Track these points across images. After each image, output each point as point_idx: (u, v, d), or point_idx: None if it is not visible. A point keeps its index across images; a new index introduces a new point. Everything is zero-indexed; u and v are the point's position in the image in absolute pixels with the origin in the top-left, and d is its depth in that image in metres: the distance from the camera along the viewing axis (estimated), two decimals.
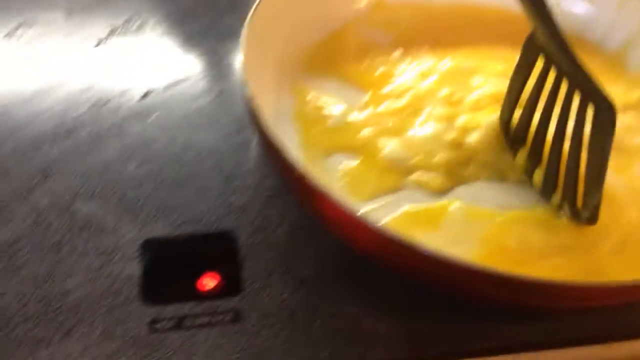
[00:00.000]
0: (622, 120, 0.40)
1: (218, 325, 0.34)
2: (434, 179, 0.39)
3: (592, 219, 0.37)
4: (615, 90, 0.38)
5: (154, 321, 0.34)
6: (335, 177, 0.39)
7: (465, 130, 0.41)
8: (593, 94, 0.36)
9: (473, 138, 0.41)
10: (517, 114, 0.40)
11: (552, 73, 0.38)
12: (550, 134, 0.39)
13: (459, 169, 0.40)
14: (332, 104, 0.43)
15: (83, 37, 0.49)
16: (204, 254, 0.37)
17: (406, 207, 0.38)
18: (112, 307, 0.34)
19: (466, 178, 0.39)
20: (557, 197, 0.38)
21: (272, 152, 0.35)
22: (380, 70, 0.45)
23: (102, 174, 0.40)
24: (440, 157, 0.40)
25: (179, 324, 0.34)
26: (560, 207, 0.38)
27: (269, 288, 0.35)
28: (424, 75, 0.44)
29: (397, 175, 0.39)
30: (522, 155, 0.40)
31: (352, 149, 0.40)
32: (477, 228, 0.37)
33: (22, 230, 0.37)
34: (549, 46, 0.37)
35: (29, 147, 0.41)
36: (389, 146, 0.40)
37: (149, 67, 0.48)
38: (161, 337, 0.33)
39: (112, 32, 0.50)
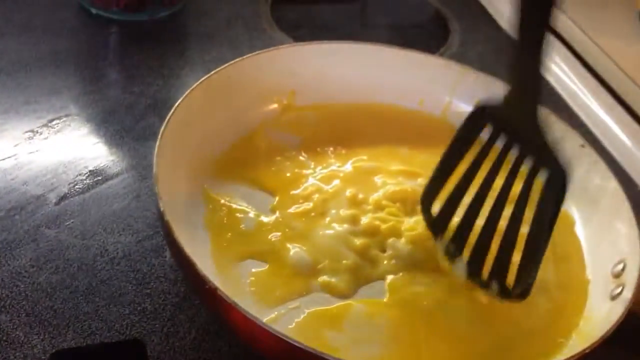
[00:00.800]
0: None
1: None
2: (340, 282, 0.41)
3: (524, 294, 0.38)
4: None
5: None
6: (246, 282, 0.41)
7: (370, 229, 0.44)
8: (548, 159, 0.37)
9: (378, 238, 0.44)
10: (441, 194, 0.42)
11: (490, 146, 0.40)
12: (483, 211, 0.40)
13: (365, 271, 0.42)
14: (243, 209, 0.45)
15: (1, 138, 0.50)
16: None
17: (310, 310, 0.40)
18: None
19: (373, 278, 0.42)
20: (483, 277, 0.40)
21: (182, 264, 0.37)
22: (288, 173, 0.47)
23: (13, 284, 0.41)
24: (346, 261, 0.42)
25: None
26: (487, 285, 0.40)
27: None
28: (330, 177, 0.47)
29: (304, 279, 0.41)
30: (445, 238, 0.42)
31: (261, 255, 0.42)
32: (379, 325, 0.40)
33: None
34: (514, 110, 0.38)
35: None
36: (296, 251, 0.42)
37: (69, 168, 0.49)
38: None
39: (32, 134, 0.51)
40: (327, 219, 0.44)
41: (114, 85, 0.58)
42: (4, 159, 0.49)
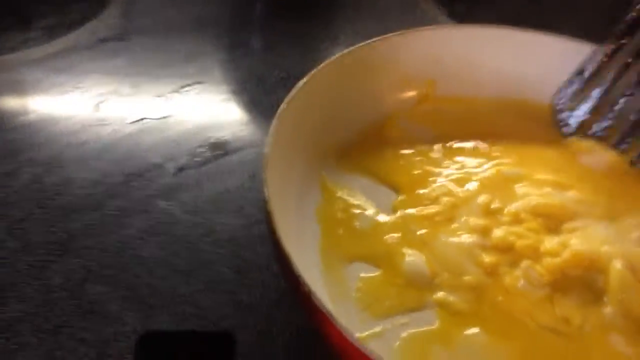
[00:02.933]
0: None
1: None
2: (459, 301, 0.36)
3: None
4: None
5: None
6: (353, 287, 0.37)
7: (503, 245, 0.38)
8: None
9: (511, 256, 0.38)
10: None
11: None
12: None
13: (490, 292, 0.37)
14: (361, 204, 0.41)
15: (132, 101, 0.50)
16: (200, 354, 0.35)
17: (421, 329, 0.35)
18: None
19: (499, 303, 0.36)
20: None
21: (279, 259, 0.34)
22: (417, 170, 0.43)
23: (118, 254, 0.39)
24: (469, 277, 0.37)
25: None
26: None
27: None
28: (464, 179, 0.42)
29: (418, 292, 0.37)
30: None
31: (374, 258, 0.38)
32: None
33: (28, 309, 0.36)
34: None
35: (55, 218, 0.41)
36: (413, 259, 0.38)
37: (191, 138, 0.47)
38: None
39: (162, 99, 0.50)
40: (454, 226, 0.39)
41: (250, 54, 0.56)
42: (131, 123, 0.48)
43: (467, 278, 0.37)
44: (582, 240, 0.38)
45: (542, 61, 0.46)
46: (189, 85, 0.51)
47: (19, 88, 0.50)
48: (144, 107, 0.49)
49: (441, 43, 0.46)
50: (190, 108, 0.50)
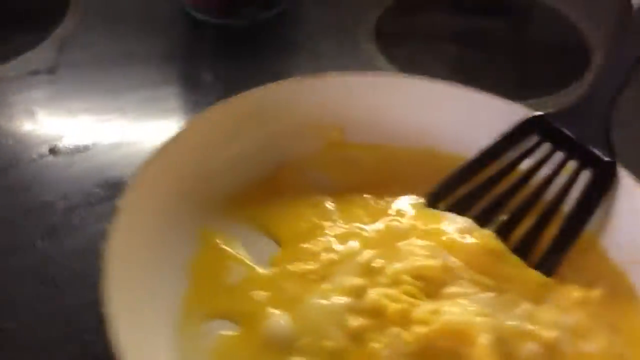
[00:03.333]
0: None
1: None
2: None
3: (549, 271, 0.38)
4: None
5: None
6: (208, 347, 0.35)
7: (374, 309, 0.36)
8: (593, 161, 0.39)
9: (381, 321, 0.36)
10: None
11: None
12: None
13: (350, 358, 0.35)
14: (239, 257, 0.39)
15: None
16: None
17: None
18: None
19: None
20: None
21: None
22: (305, 222, 0.41)
23: None
24: (331, 342, 0.35)
25: None
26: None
27: None
28: (349, 235, 0.40)
29: (275, 355, 0.35)
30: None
31: (237, 316, 0.36)
32: None
33: None
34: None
35: None
36: (276, 320, 0.36)
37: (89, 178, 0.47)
38: None
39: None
40: (326, 286, 0.37)
41: (179, 92, 0.55)
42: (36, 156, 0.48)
43: (328, 343, 0.35)
44: (459, 309, 0.36)
45: (451, 112, 0.44)
46: (107, 120, 0.51)
47: None
48: (55, 137, 0.49)
49: (348, 90, 0.44)
50: (103, 143, 0.49)
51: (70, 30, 0.59)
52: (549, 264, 0.39)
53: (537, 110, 0.42)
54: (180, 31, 0.61)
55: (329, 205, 0.42)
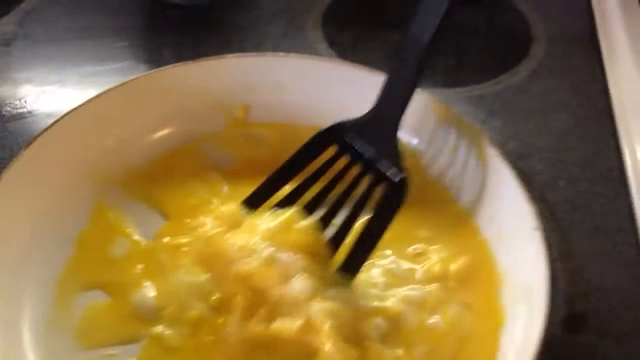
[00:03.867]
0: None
1: None
2: (173, 336, 0.37)
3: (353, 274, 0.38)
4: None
5: None
6: (78, 315, 0.38)
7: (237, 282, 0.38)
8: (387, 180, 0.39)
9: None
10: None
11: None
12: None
13: (205, 331, 0.37)
14: (128, 230, 0.41)
15: None
16: None
17: None
18: None
19: (206, 344, 0.37)
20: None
21: None
22: (194, 199, 0.43)
23: None
24: (194, 312, 0.37)
25: None
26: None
27: None
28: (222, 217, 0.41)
29: (141, 325, 0.37)
30: None
31: (110, 287, 0.39)
32: None
33: None
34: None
35: None
36: (144, 291, 0.38)
37: None
38: None
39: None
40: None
41: (128, 67, 0.57)
42: None
43: (191, 312, 0.37)
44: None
45: (349, 90, 0.44)
46: (48, 91, 0.53)
47: None
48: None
49: (252, 69, 0.45)
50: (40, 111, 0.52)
51: (33, 5, 0.62)
52: (351, 267, 0.38)
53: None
54: (138, 8, 0.63)
55: (222, 182, 0.44)
